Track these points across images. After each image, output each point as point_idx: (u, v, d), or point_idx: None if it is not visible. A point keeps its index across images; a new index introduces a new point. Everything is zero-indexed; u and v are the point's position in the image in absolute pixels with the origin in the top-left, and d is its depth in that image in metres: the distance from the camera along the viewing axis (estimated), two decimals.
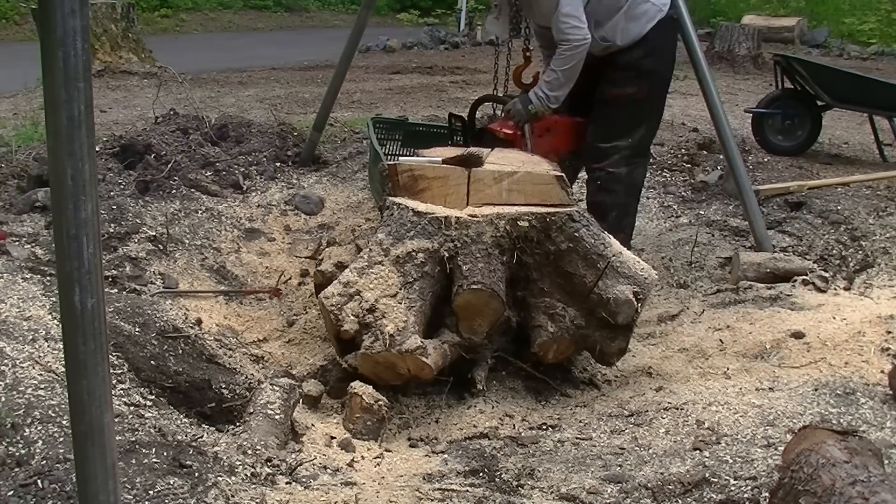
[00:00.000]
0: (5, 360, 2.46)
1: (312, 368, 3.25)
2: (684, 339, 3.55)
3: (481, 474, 2.45)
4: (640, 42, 3.79)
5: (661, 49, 3.86)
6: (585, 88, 3.87)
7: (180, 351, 3.04)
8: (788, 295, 3.84)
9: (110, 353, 2.51)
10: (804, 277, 4.02)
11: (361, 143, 5.73)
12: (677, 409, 2.86)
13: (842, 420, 2.65)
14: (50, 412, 2.25)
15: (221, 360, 3.19)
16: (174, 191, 4.50)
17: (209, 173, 4.78)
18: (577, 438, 2.72)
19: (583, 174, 4.25)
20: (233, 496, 2.06)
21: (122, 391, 2.58)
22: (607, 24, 3.78)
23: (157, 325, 3.13)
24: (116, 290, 3.49)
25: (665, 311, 3.99)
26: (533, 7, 3.91)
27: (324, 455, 2.59)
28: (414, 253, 3.01)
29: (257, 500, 2.07)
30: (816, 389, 2.86)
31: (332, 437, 2.76)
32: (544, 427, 2.86)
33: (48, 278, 3.21)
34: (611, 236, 3.21)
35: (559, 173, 3.28)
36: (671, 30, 3.93)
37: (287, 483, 2.25)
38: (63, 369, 1.80)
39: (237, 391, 2.94)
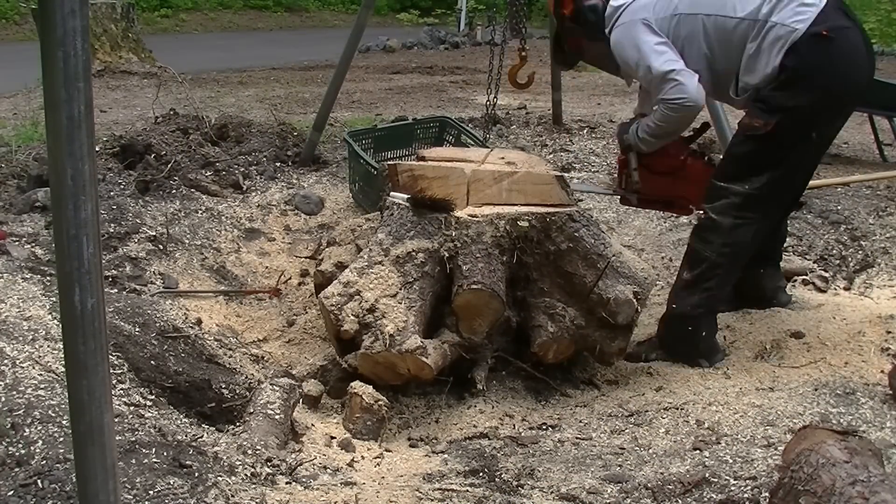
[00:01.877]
0: (5, 360, 2.46)
1: (312, 368, 3.25)
2: None
3: (481, 474, 2.45)
4: (776, 75, 3.08)
5: (800, 80, 3.05)
6: None
7: (180, 351, 3.04)
8: (788, 295, 3.84)
9: (110, 353, 2.51)
10: (804, 277, 4.03)
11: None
12: (677, 409, 2.86)
13: (842, 420, 2.65)
14: (50, 412, 2.25)
15: (221, 360, 3.19)
16: (174, 191, 4.50)
17: (209, 173, 4.78)
18: (577, 438, 2.72)
19: None
20: (233, 496, 2.06)
21: (122, 391, 2.58)
22: (741, 70, 3.18)
23: (157, 325, 3.13)
24: (116, 290, 3.49)
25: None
26: (596, 61, 3.64)
27: (324, 455, 2.59)
28: (414, 253, 3.01)
29: (257, 500, 2.07)
30: (816, 389, 2.87)
31: (332, 437, 2.76)
32: (544, 427, 2.86)
33: (48, 278, 3.21)
34: (610, 237, 3.21)
35: (559, 173, 3.28)
36: (821, 51, 3.03)
37: (287, 483, 2.25)
38: (63, 369, 1.80)
39: (237, 391, 2.94)
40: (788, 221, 4.73)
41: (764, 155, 3.15)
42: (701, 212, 3.37)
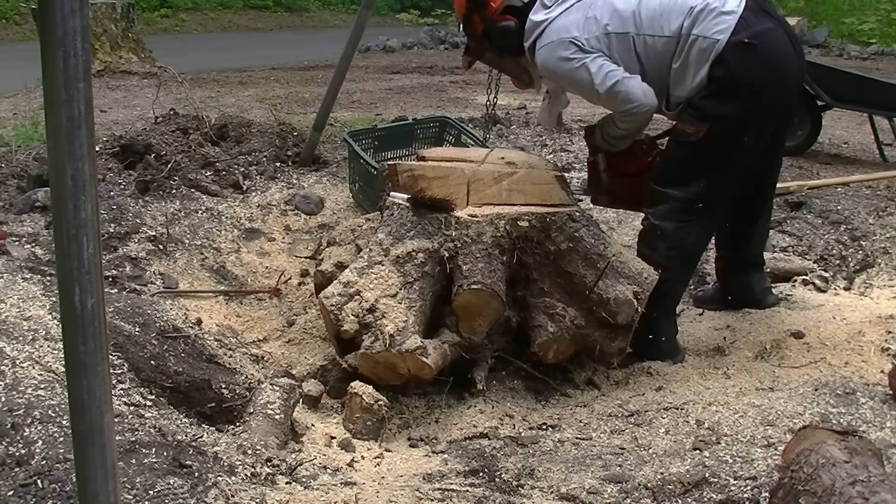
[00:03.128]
0: (5, 360, 2.46)
1: (312, 368, 3.25)
2: (684, 339, 3.54)
3: (481, 474, 2.45)
4: (706, 85, 3.11)
5: (729, 89, 3.07)
6: None
7: (180, 351, 3.04)
8: (788, 295, 3.84)
9: (110, 353, 2.51)
10: (804, 277, 4.03)
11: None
12: (677, 409, 2.86)
13: (842, 420, 2.65)
14: (50, 412, 2.25)
15: (221, 360, 3.19)
16: (174, 191, 4.50)
17: (209, 173, 4.78)
18: (577, 438, 2.72)
19: None
20: (233, 496, 2.06)
21: (122, 391, 2.58)
22: (670, 85, 3.20)
23: (157, 325, 3.13)
24: (116, 290, 3.49)
25: None
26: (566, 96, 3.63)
27: (324, 455, 2.59)
28: (414, 253, 3.01)
29: (257, 500, 2.07)
30: (816, 389, 2.86)
31: (332, 437, 2.76)
32: (544, 427, 2.86)
33: (48, 278, 3.21)
34: (610, 237, 3.21)
35: (559, 173, 3.28)
36: (747, 59, 3.05)
37: (287, 483, 2.25)
38: (63, 369, 1.80)
39: (237, 391, 2.94)
40: (788, 221, 4.75)
41: (698, 160, 3.17)
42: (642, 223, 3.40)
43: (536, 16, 3.31)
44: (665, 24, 3.13)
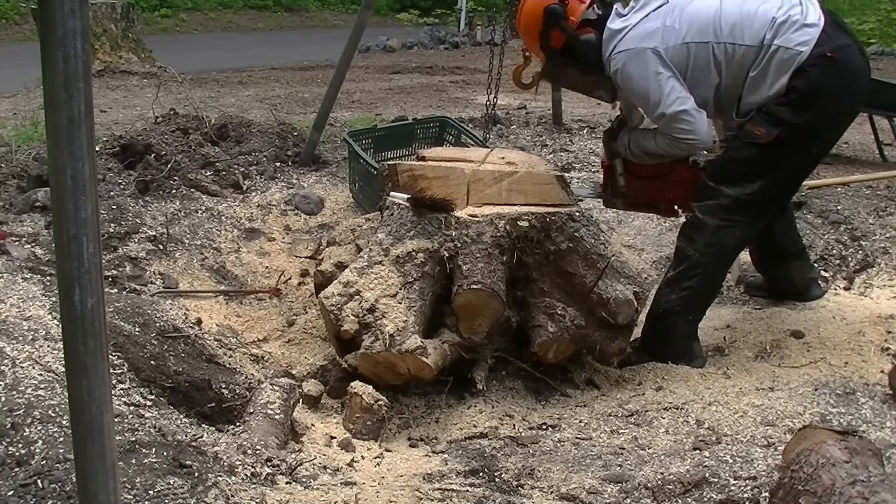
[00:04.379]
0: (5, 360, 2.46)
1: (312, 368, 3.25)
2: None
3: (481, 474, 2.45)
4: (784, 94, 3.12)
5: (808, 100, 3.09)
6: None
7: (180, 351, 3.04)
8: (821, 288, 3.83)
9: (110, 353, 2.51)
10: None
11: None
12: (677, 409, 2.86)
13: (842, 420, 2.65)
14: (50, 412, 2.25)
15: (221, 360, 3.19)
16: (174, 191, 4.50)
17: (209, 173, 4.78)
18: (577, 438, 2.72)
19: None
20: (233, 496, 2.06)
21: (122, 391, 2.58)
22: (743, 93, 3.19)
23: (157, 325, 3.13)
24: (116, 290, 3.49)
25: None
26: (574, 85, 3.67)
27: (324, 455, 2.59)
28: (414, 253, 3.01)
29: (257, 500, 2.07)
30: (816, 389, 2.86)
31: (332, 437, 2.76)
32: (544, 427, 2.86)
33: (48, 278, 3.21)
34: (610, 237, 3.21)
35: (559, 173, 3.28)
36: (829, 72, 3.08)
37: (287, 483, 2.25)
38: (63, 369, 1.80)
39: (237, 391, 2.94)
40: None
41: (761, 162, 3.18)
42: (685, 214, 3.40)
43: (614, 24, 3.29)
44: (747, 34, 3.12)
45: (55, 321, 2.78)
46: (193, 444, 2.31)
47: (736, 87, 3.20)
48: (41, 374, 2.44)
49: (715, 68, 3.18)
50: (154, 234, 4.05)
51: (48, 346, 2.64)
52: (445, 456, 2.62)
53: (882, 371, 3.01)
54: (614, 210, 4.86)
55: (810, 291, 3.73)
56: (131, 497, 1.97)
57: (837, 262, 4.35)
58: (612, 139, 3.53)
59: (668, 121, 3.20)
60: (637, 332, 3.38)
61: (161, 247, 3.99)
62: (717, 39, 3.15)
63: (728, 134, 3.43)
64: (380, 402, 2.83)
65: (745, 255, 4.11)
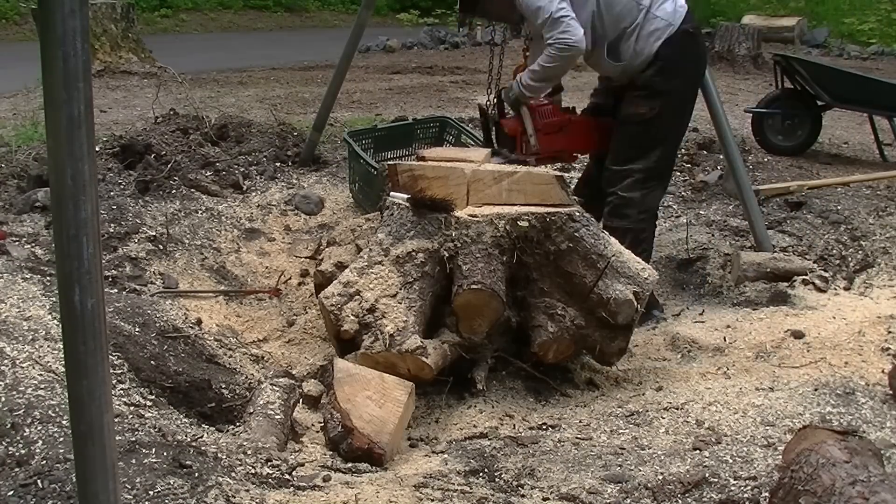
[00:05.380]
0: (5, 360, 2.46)
1: (312, 368, 3.25)
2: (684, 339, 3.55)
3: (481, 474, 2.45)
4: (652, 61, 3.63)
5: (674, 66, 3.64)
6: (614, 113, 3.83)
7: (180, 351, 3.04)
8: (788, 295, 3.84)
9: (110, 353, 2.51)
10: (804, 277, 4.02)
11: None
12: (677, 409, 2.86)
13: (842, 420, 2.65)
14: (50, 412, 2.25)
15: (221, 360, 3.19)
16: (174, 191, 4.50)
17: (209, 173, 4.78)
18: (577, 438, 2.71)
19: None
20: (233, 496, 2.06)
21: (122, 391, 2.58)
22: (620, 46, 3.67)
23: (157, 325, 3.13)
24: (116, 290, 3.49)
25: (665, 311, 3.99)
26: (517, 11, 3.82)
27: (324, 455, 2.59)
28: (414, 253, 3.01)
29: (257, 500, 2.07)
30: (816, 389, 2.86)
31: None
32: (544, 427, 2.86)
33: (48, 278, 3.21)
34: (611, 237, 3.21)
35: (559, 173, 3.28)
36: (689, 45, 3.71)
37: (287, 483, 2.25)
38: (63, 369, 1.80)
39: (237, 391, 2.94)
40: (788, 221, 4.76)
41: (652, 134, 3.69)
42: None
43: None
44: None
45: (55, 321, 2.78)
46: (193, 444, 2.31)
47: (611, 31, 3.65)
48: (41, 374, 2.44)
49: (595, 3, 3.62)
50: (154, 234, 4.05)
51: (48, 346, 2.64)
52: (445, 456, 2.62)
53: (882, 371, 3.01)
54: None
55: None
56: (131, 497, 1.97)
57: (837, 262, 4.35)
58: (509, 91, 3.82)
59: (551, 24, 3.51)
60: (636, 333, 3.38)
61: (161, 247, 3.99)
62: None
63: (596, 91, 4.05)
64: None
65: (744, 255, 4.12)
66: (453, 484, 2.34)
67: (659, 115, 3.65)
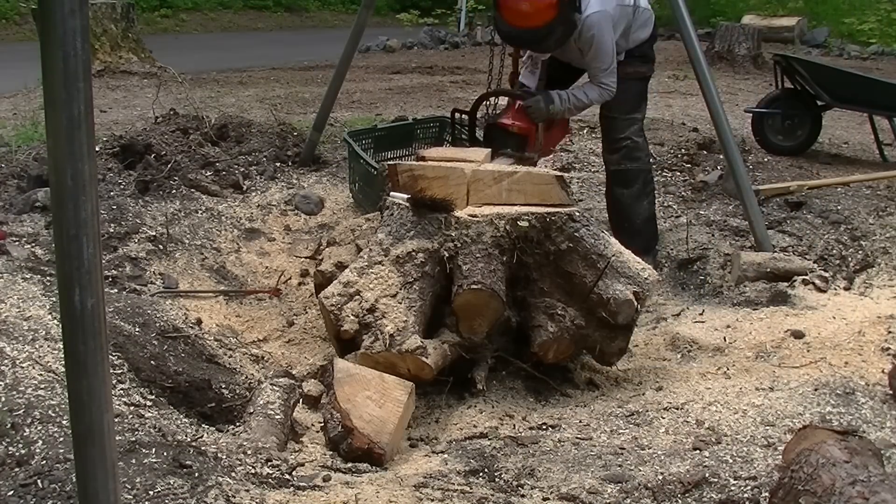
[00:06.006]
0: (5, 360, 2.46)
1: (312, 368, 3.25)
2: (684, 339, 3.55)
3: (481, 474, 2.45)
4: (646, 39, 4.26)
5: (653, 40, 4.35)
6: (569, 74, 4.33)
7: (180, 351, 3.04)
8: (788, 295, 3.83)
9: (110, 353, 2.51)
10: (804, 277, 4.02)
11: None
12: (677, 409, 2.86)
13: (842, 420, 2.65)
14: (50, 412, 2.25)
15: (221, 360, 3.19)
16: (174, 191, 4.50)
17: (209, 173, 4.78)
18: (577, 438, 2.71)
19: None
20: (233, 496, 2.06)
21: (122, 391, 2.58)
22: (624, 40, 4.16)
23: (157, 325, 3.13)
24: (116, 290, 3.49)
25: (665, 311, 3.99)
26: (567, 54, 4.19)
27: (324, 455, 2.59)
28: (414, 253, 3.01)
29: (257, 500, 2.07)
30: (816, 389, 2.86)
31: None
32: (544, 427, 2.86)
33: (48, 278, 3.21)
34: (610, 237, 3.21)
35: (559, 173, 3.28)
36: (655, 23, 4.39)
37: (287, 483, 2.25)
38: (63, 369, 1.80)
39: (237, 391, 2.94)
40: (788, 221, 4.76)
41: (644, 88, 4.36)
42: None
43: None
44: None
45: (55, 321, 2.78)
46: (193, 444, 2.31)
47: (625, 40, 4.16)
48: (41, 374, 2.44)
49: (625, 22, 4.13)
50: (154, 234, 4.05)
51: (48, 346, 2.64)
52: (445, 456, 2.62)
53: (882, 371, 3.00)
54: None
55: None
56: (131, 497, 1.97)
57: (837, 262, 4.35)
58: (550, 102, 4.06)
59: (610, 73, 4.06)
60: (635, 333, 3.37)
61: (161, 247, 3.99)
62: (620, 2, 4.07)
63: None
64: None
65: (744, 255, 4.12)
66: (453, 484, 2.34)
67: (650, 77, 4.38)
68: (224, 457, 2.27)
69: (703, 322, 3.77)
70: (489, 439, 2.75)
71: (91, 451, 1.49)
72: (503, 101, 4.46)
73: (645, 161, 4.41)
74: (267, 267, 4.24)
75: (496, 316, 3.00)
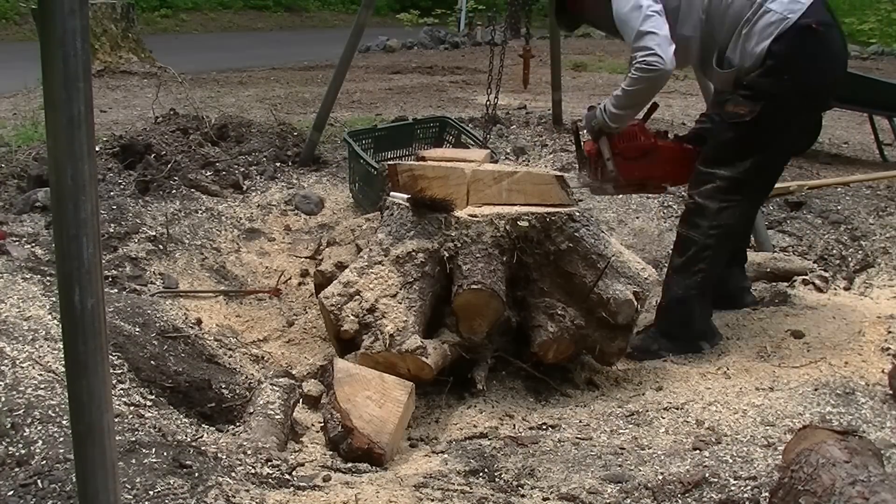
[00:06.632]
0: (5, 360, 2.46)
1: (312, 368, 3.25)
2: None
3: (481, 474, 2.45)
4: (763, 60, 3.18)
5: (784, 66, 3.15)
6: None
7: (180, 351, 3.04)
8: (788, 295, 3.83)
9: (110, 353, 2.51)
10: (804, 277, 4.02)
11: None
12: (677, 409, 2.86)
13: (842, 420, 2.65)
14: (50, 412, 2.25)
15: (221, 360, 3.19)
16: (174, 191, 4.50)
17: (209, 173, 4.78)
18: (577, 438, 2.71)
19: None
20: (233, 496, 2.06)
21: (122, 391, 2.58)
22: (730, 49, 3.26)
23: (157, 325, 3.13)
24: (116, 290, 3.49)
25: None
26: (597, 22, 3.61)
27: (324, 455, 2.59)
28: (414, 253, 3.01)
29: (257, 500, 2.07)
30: (816, 389, 2.86)
31: None
32: (544, 427, 2.86)
33: (48, 278, 3.21)
34: (610, 237, 3.21)
35: (559, 173, 3.28)
36: (808, 42, 3.14)
37: (287, 483, 2.25)
38: (63, 369, 1.80)
39: (237, 391, 2.94)
40: (788, 221, 4.75)
41: (748, 140, 3.26)
42: (684, 194, 3.46)
43: None
44: None
45: (55, 321, 2.78)
46: (193, 444, 2.31)
47: (722, 35, 3.27)
48: (41, 374, 2.44)
49: (703, 9, 3.28)
50: (154, 234, 4.05)
51: (48, 346, 2.64)
52: (445, 456, 2.62)
53: (882, 371, 3.01)
54: (614, 210, 4.87)
55: (743, 298, 3.80)
56: (131, 497, 1.97)
57: (837, 262, 4.35)
58: (592, 117, 3.51)
59: (637, 39, 3.17)
60: (635, 332, 3.37)
61: (161, 247, 3.99)
62: None
63: (704, 115, 3.57)
64: None
65: None
66: (453, 484, 2.34)
67: (758, 119, 3.19)
68: (224, 457, 2.27)
69: None
70: (489, 439, 2.75)
71: (91, 451, 1.49)
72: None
73: (705, 232, 3.35)
74: (267, 267, 4.24)
75: (496, 316, 3.01)
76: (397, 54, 12.85)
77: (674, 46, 3.19)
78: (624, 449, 2.58)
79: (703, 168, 3.37)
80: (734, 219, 3.38)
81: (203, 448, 2.29)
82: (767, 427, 2.62)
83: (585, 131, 3.62)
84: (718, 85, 3.53)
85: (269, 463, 2.32)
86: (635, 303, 3.08)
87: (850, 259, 4.33)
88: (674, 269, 3.46)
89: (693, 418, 2.76)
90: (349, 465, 2.53)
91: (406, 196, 3.13)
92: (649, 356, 3.42)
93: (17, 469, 2.04)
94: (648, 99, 3.41)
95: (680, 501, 2.19)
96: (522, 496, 2.29)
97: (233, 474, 2.18)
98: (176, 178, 4.58)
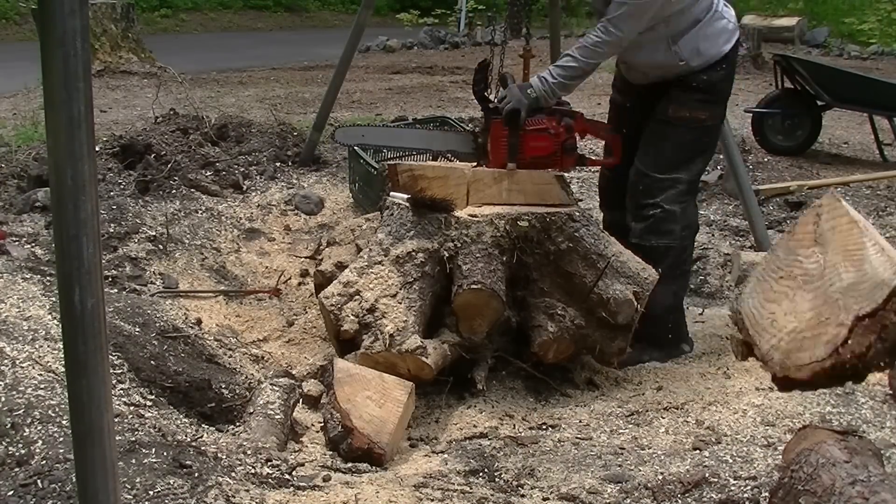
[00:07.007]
0: (5, 360, 2.46)
1: (312, 368, 3.25)
2: None
3: (481, 474, 2.45)
4: (718, 62, 3.28)
5: (732, 73, 3.39)
6: (641, 108, 3.42)
7: (180, 351, 3.04)
8: None
9: (110, 353, 2.51)
10: None
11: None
12: (677, 409, 2.86)
13: (842, 420, 2.64)
14: (50, 412, 2.25)
15: (221, 360, 3.19)
16: (174, 191, 4.50)
17: (209, 173, 4.78)
18: (577, 438, 2.71)
19: None
20: (233, 496, 2.06)
21: (122, 391, 2.58)
22: (682, 40, 3.25)
23: (157, 325, 3.13)
24: (116, 290, 3.49)
25: None
26: None
27: (324, 455, 2.59)
28: (414, 253, 3.01)
29: (257, 500, 2.07)
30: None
31: None
32: (544, 427, 2.86)
33: (48, 278, 3.21)
34: (611, 237, 3.21)
35: (559, 173, 3.28)
36: (738, 51, 3.44)
37: (287, 483, 2.25)
38: (63, 369, 1.80)
39: (237, 391, 2.94)
40: (788, 221, 4.76)
41: (702, 141, 3.39)
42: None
43: None
44: None
45: (55, 321, 2.78)
46: (193, 444, 2.31)
47: (676, 21, 3.22)
48: (41, 374, 2.44)
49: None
50: (154, 234, 4.05)
51: (48, 346, 2.64)
52: (445, 456, 2.62)
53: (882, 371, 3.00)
54: None
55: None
56: (131, 497, 1.97)
57: None
58: (525, 87, 3.24)
59: (617, 16, 3.11)
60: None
61: (161, 247, 3.99)
62: None
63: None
64: None
65: (744, 255, 4.11)
66: (453, 484, 2.34)
67: (716, 123, 3.39)
68: (224, 457, 2.27)
69: (703, 322, 3.77)
70: (489, 439, 2.75)
71: (91, 451, 1.49)
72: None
73: (679, 235, 3.36)
74: (267, 267, 4.23)
75: (496, 316, 3.00)
76: (397, 54, 12.85)
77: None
78: (624, 449, 2.58)
79: (662, 175, 3.32)
80: (694, 215, 3.49)
81: (203, 448, 2.29)
82: (767, 427, 2.62)
83: (504, 111, 3.22)
84: (647, 69, 3.41)
85: (269, 463, 2.32)
86: (635, 303, 3.08)
87: None
88: (660, 279, 3.23)
89: (693, 418, 2.76)
90: (349, 465, 2.53)
91: (406, 196, 3.13)
92: (636, 363, 3.40)
93: (17, 469, 2.04)
94: (588, 72, 3.34)
95: (680, 501, 2.19)
96: (522, 496, 2.29)
97: (233, 474, 2.18)
98: (176, 178, 4.58)
